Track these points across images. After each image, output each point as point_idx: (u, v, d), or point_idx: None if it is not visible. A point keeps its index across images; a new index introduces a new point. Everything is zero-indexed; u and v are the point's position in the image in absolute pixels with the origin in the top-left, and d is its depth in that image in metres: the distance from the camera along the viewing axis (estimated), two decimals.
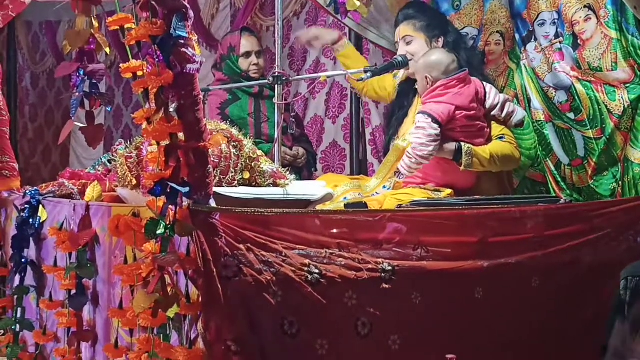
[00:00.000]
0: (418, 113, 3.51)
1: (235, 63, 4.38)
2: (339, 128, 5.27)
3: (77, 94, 2.43)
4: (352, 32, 4.56)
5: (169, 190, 2.35)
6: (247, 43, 4.40)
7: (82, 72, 2.43)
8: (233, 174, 2.78)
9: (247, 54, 4.39)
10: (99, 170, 3.45)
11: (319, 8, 4.55)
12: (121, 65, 2.43)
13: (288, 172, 3.02)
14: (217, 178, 2.73)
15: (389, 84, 4.05)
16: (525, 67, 3.88)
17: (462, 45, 3.76)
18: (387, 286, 2.64)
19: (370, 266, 2.62)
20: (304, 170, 4.40)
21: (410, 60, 3.70)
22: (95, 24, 2.45)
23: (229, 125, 2.93)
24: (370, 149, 4.97)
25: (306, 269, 2.52)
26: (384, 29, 4.28)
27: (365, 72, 3.71)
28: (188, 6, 2.38)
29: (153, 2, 2.34)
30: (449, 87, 3.50)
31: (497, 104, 3.57)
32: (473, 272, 2.79)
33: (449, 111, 3.45)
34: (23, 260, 3.27)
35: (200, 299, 2.41)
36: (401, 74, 3.94)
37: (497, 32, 4.02)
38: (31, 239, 3.26)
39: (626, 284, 2.57)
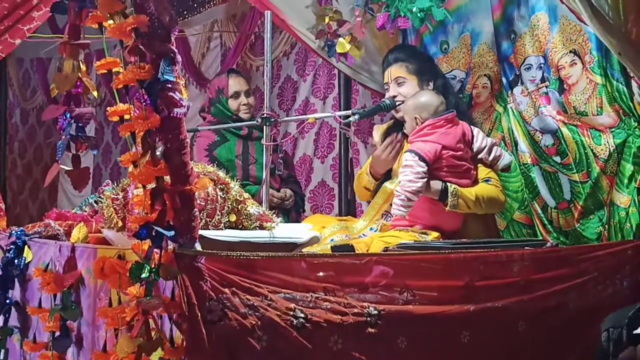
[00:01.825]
0: (405, 152, 3.53)
1: (225, 105, 4.38)
2: (327, 168, 5.30)
3: (64, 137, 2.44)
4: (342, 73, 4.59)
5: (154, 234, 2.35)
6: (234, 83, 4.41)
7: (68, 116, 2.44)
8: (219, 217, 2.77)
9: (236, 94, 4.40)
10: (85, 211, 3.44)
11: (308, 49, 4.58)
12: (108, 108, 2.44)
13: (275, 215, 3.02)
14: (204, 221, 2.72)
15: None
16: (512, 110, 3.91)
17: (450, 90, 3.80)
18: (372, 330, 2.63)
19: (356, 310, 2.62)
20: (292, 212, 4.40)
21: (399, 104, 3.72)
22: (83, 67, 2.46)
23: (216, 168, 2.93)
24: None
25: (291, 313, 2.51)
26: (374, 73, 4.31)
27: (353, 114, 3.73)
28: (176, 51, 2.39)
29: (141, 47, 2.36)
30: (436, 126, 3.52)
31: (485, 147, 3.59)
32: (459, 316, 2.78)
33: (436, 150, 3.47)
34: (7, 301, 3.25)
35: (185, 344, 2.39)
36: (377, 134, 3.93)
37: (485, 75, 4.06)
38: (16, 279, 3.24)
39: (608, 335, 2.56)
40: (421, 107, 3.58)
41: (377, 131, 3.98)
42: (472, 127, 3.63)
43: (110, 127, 7.12)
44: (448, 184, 3.45)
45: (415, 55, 3.87)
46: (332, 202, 5.23)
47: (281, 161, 4.29)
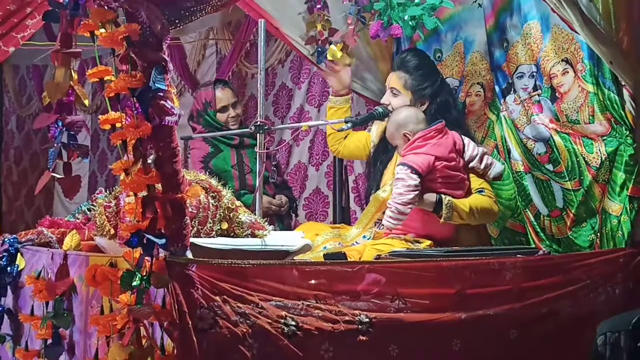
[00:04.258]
0: (398, 164, 3.52)
1: (214, 118, 4.36)
2: (322, 175, 5.30)
3: (55, 145, 2.45)
4: None
5: (145, 242, 2.36)
6: (222, 96, 4.37)
7: (60, 124, 2.46)
8: (211, 225, 2.78)
9: (224, 108, 4.37)
10: (78, 219, 3.44)
11: (303, 57, 4.59)
12: (100, 116, 2.45)
13: (269, 222, 3.02)
14: (195, 228, 2.73)
15: (364, 139, 4.04)
16: (505, 118, 3.91)
17: (449, 108, 3.74)
18: (364, 338, 2.64)
19: (347, 318, 2.63)
20: (286, 218, 4.41)
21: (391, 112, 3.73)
22: (75, 75, 2.47)
23: (208, 176, 2.93)
24: (353, 197, 4.99)
25: (282, 320, 2.52)
26: (367, 80, 4.31)
27: (346, 122, 3.75)
28: (167, 59, 2.41)
29: (133, 55, 2.37)
30: (427, 138, 3.52)
31: (476, 155, 3.60)
32: (451, 324, 2.79)
33: (429, 162, 3.46)
34: (0, 308, 3.25)
35: (175, 352, 2.40)
36: (375, 130, 3.96)
37: (478, 83, 4.07)
38: (8, 287, 3.24)
39: (605, 339, 2.56)
40: (405, 123, 3.57)
41: (376, 128, 3.97)
42: (462, 136, 3.63)
43: (106, 134, 7.11)
44: (442, 196, 3.44)
45: (422, 67, 3.78)
46: (327, 209, 5.24)
47: (274, 168, 4.30)
